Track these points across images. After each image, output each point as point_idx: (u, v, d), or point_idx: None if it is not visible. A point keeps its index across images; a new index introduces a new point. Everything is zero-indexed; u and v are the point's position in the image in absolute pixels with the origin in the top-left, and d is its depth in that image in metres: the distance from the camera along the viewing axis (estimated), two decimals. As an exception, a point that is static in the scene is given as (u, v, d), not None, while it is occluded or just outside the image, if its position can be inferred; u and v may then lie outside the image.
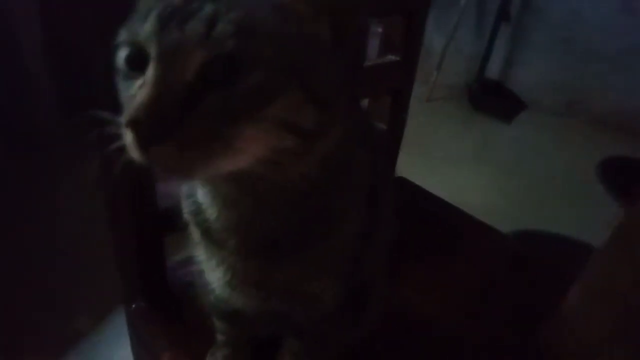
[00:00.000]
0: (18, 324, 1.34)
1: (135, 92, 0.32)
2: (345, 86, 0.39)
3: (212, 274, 0.51)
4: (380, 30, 0.95)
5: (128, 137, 0.31)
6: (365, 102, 1.01)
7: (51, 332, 1.33)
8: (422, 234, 0.96)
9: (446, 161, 2.24)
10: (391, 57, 0.91)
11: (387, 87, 0.97)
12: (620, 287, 0.49)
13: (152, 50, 0.32)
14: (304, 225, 0.44)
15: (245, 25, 0.31)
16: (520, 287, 0.89)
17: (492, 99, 2.81)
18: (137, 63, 0.33)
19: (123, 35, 0.35)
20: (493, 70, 2.88)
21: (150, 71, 0.31)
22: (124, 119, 0.32)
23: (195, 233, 0.50)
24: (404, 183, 1.14)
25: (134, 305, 0.77)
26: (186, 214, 0.50)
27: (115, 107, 0.35)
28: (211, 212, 0.45)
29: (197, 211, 0.47)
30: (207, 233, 0.47)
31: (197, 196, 0.46)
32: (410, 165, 1.12)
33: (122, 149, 0.33)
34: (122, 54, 0.35)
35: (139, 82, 0.33)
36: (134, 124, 0.30)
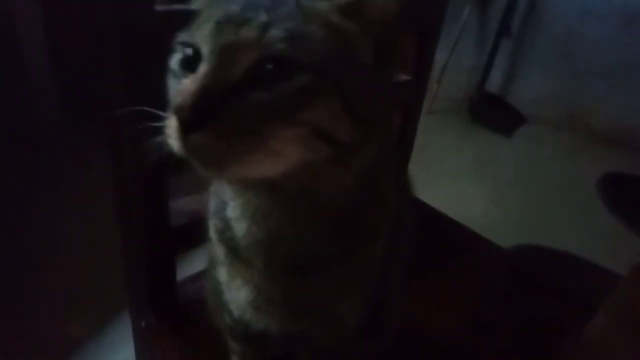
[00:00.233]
0: (18, 329, 1.33)
1: (179, 91, 0.34)
2: (384, 107, 0.39)
3: (236, 294, 0.50)
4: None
5: (171, 124, 0.33)
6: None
7: (51, 337, 1.32)
8: (423, 249, 0.96)
9: (446, 174, 2.25)
10: (403, 77, 0.92)
11: (397, 104, 0.97)
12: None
13: (206, 49, 0.35)
14: (335, 243, 0.44)
15: (294, 34, 0.34)
16: (525, 303, 0.89)
17: (493, 113, 2.83)
18: (189, 64, 0.36)
19: (181, 38, 0.38)
20: (493, 84, 2.90)
21: (202, 67, 0.34)
22: (171, 107, 0.34)
23: (219, 252, 0.49)
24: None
25: (143, 323, 0.76)
26: (212, 232, 0.49)
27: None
28: (240, 228, 0.44)
29: (225, 228, 0.47)
30: (233, 251, 0.46)
31: (225, 212, 0.46)
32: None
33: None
34: (176, 56, 0.39)
35: (188, 79, 0.35)
36: (179, 109, 0.32)
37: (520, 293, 0.91)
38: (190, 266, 0.84)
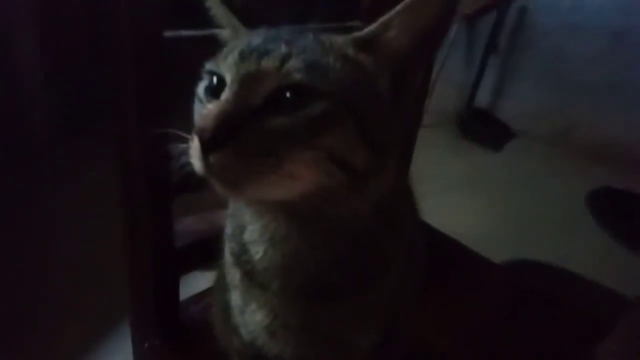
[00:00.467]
0: (15, 341, 1.33)
1: (203, 115, 0.36)
2: (398, 139, 0.41)
3: (250, 318, 0.50)
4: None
5: (194, 145, 0.35)
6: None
7: (47, 349, 1.31)
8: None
9: (436, 188, 2.26)
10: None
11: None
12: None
13: (230, 77, 0.37)
14: (352, 269, 0.44)
15: (311, 65, 0.36)
16: (526, 321, 0.90)
17: (482, 127, 2.87)
18: (214, 91, 0.39)
19: (207, 67, 0.41)
20: (482, 99, 2.95)
21: (225, 93, 0.36)
22: (195, 128, 0.36)
23: (235, 275, 0.50)
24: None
25: (147, 344, 0.76)
26: (227, 256, 0.50)
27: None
28: (257, 251, 0.45)
29: (241, 252, 0.47)
30: (249, 275, 0.47)
31: (242, 236, 0.47)
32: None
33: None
34: (202, 84, 0.42)
35: (212, 105, 0.37)
36: (202, 130, 0.34)
37: (519, 311, 0.92)
38: (189, 287, 0.84)
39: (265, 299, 0.47)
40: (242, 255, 0.47)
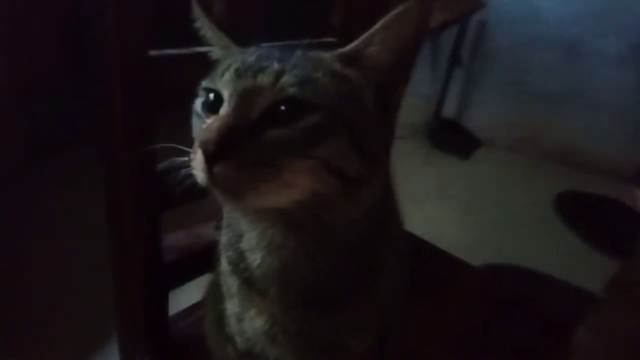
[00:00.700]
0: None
1: (204, 129, 0.38)
2: (386, 148, 0.43)
3: (249, 325, 0.51)
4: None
5: (197, 157, 0.37)
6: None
7: None
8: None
9: (408, 198, 2.30)
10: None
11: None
12: (627, 332, 0.54)
13: (227, 93, 0.39)
14: (348, 274, 0.46)
15: (303, 80, 0.39)
16: (507, 324, 0.92)
17: (450, 137, 2.96)
18: (211, 107, 0.41)
19: (204, 84, 0.44)
20: (449, 110, 3.04)
21: (224, 108, 0.39)
22: (197, 142, 0.38)
23: (232, 283, 0.51)
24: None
25: (137, 360, 0.75)
26: (225, 265, 0.51)
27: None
28: (255, 258, 0.47)
29: (239, 260, 0.49)
30: (248, 282, 0.48)
31: (240, 244, 0.48)
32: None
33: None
34: (199, 100, 0.44)
35: (210, 120, 0.39)
36: (205, 144, 0.36)
37: (501, 313, 0.94)
38: (177, 303, 0.84)
39: (265, 305, 0.48)
40: (240, 263, 0.48)
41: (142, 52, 0.60)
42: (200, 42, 0.53)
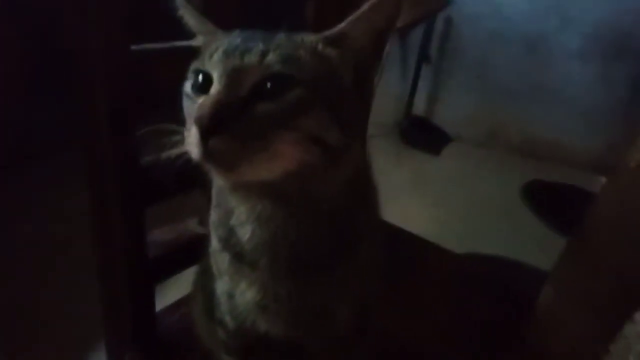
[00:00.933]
0: None
1: (198, 106, 0.41)
2: (362, 120, 0.48)
3: (241, 298, 0.54)
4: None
5: (192, 133, 0.40)
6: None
7: None
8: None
9: (381, 194, 2.35)
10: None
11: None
12: (586, 284, 0.59)
13: (217, 73, 0.42)
14: (331, 242, 0.50)
15: (287, 58, 0.42)
16: (480, 302, 0.97)
17: (421, 134, 3.02)
18: (200, 87, 0.44)
19: (193, 66, 0.46)
20: (419, 107, 3.11)
21: (214, 87, 0.41)
22: (190, 120, 0.41)
23: (223, 260, 0.53)
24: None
25: (127, 357, 0.76)
26: (215, 243, 0.54)
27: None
28: (244, 232, 0.49)
29: (229, 236, 0.51)
30: (238, 256, 0.51)
31: (230, 221, 0.51)
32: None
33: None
34: (189, 82, 0.46)
35: (201, 99, 0.41)
36: (200, 119, 0.39)
37: (477, 294, 0.99)
38: (162, 300, 0.85)
39: (255, 277, 0.51)
40: (230, 239, 0.51)
41: (123, 46, 0.62)
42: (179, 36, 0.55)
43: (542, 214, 2.27)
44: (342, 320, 0.56)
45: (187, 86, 0.46)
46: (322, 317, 0.55)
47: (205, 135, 0.38)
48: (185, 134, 0.42)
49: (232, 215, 0.50)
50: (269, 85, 0.41)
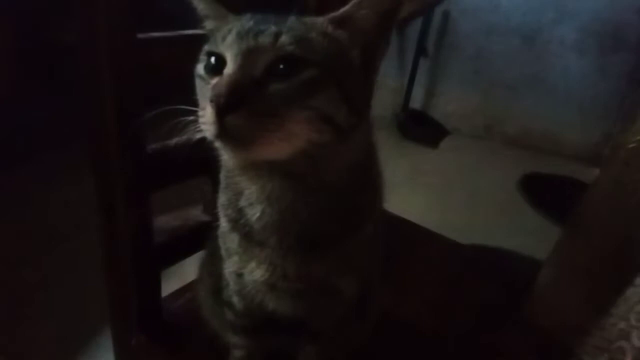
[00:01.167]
0: None
1: (213, 86, 0.42)
2: (368, 102, 0.49)
3: (249, 277, 0.55)
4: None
5: (207, 112, 0.41)
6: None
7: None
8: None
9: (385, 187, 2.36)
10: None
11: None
12: (584, 263, 0.60)
13: (231, 54, 0.43)
14: (338, 221, 0.51)
15: (299, 39, 0.43)
16: (477, 286, 0.99)
17: (418, 128, 3.04)
18: (213, 69, 0.45)
19: (206, 48, 0.47)
20: (417, 101, 3.13)
21: (228, 68, 0.43)
22: (204, 100, 0.42)
23: (233, 240, 0.55)
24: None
25: (133, 341, 0.77)
26: (224, 224, 0.55)
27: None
28: (254, 212, 0.51)
29: (239, 216, 0.53)
30: (247, 236, 0.52)
31: (239, 202, 0.52)
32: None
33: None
34: (201, 64, 0.47)
35: (215, 80, 0.43)
36: (217, 97, 0.40)
37: (475, 277, 1.01)
38: (167, 287, 0.86)
39: (265, 255, 0.52)
40: (239, 219, 0.52)
41: (131, 34, 0.63)
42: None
43: (539, 206, 2.30)
44: (346, 296, 0.58)
45: (200, 68, 0.47)
46: (327, 294, 0.56)
47: (222, 112, 0.40)
48: (200, 113, 0.43)
49: (242, 196, 0.51)
50: (282, 66, 0.42)
